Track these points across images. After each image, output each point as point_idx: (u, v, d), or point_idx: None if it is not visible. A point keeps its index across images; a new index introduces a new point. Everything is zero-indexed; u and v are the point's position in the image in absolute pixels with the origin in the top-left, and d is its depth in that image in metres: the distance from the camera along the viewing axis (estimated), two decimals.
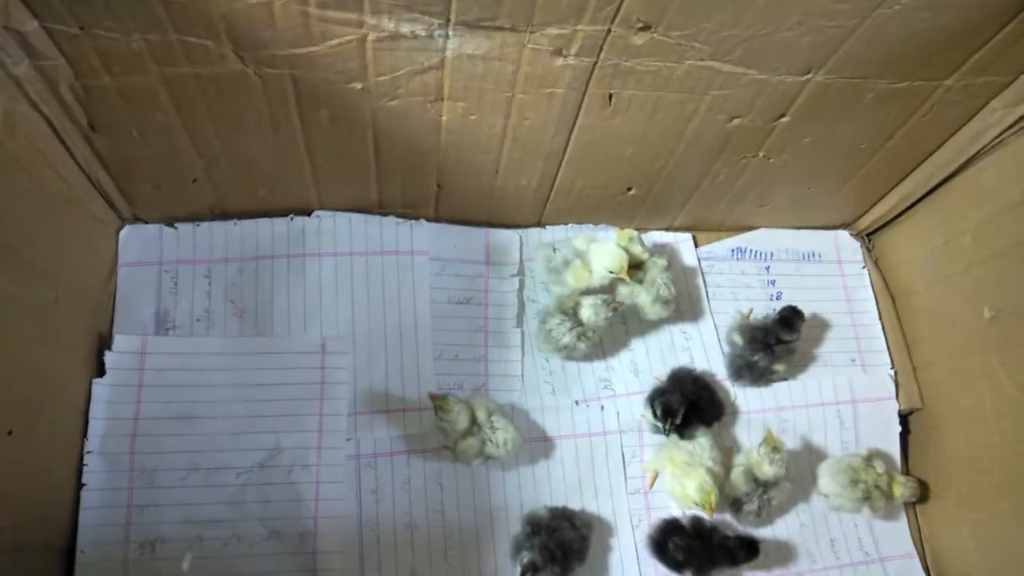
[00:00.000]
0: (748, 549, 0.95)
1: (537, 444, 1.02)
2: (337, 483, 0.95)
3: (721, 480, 0.97)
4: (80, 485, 0.89)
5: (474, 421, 0.94)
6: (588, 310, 0.99)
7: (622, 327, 1.09)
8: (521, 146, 0.93)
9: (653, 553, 0.97)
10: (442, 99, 0.84)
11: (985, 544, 0.97)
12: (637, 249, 1.04)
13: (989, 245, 0.98)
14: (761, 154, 0.98)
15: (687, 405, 0.98)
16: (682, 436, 1.00)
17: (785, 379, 1.09)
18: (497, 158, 0.95)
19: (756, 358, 1.04)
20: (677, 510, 1.01)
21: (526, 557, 0.89)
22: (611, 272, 1.00)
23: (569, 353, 1.03)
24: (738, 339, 1.06)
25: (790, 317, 1.04)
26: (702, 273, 1.14)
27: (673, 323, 1.11)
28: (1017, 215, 0.93)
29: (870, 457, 1.03)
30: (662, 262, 1.05)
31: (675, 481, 0.97)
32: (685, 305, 1.12)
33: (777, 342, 1.04)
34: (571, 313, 1.01)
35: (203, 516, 0.91)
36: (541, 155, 0.95)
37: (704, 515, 0.96)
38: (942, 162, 1.02)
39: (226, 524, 0.91)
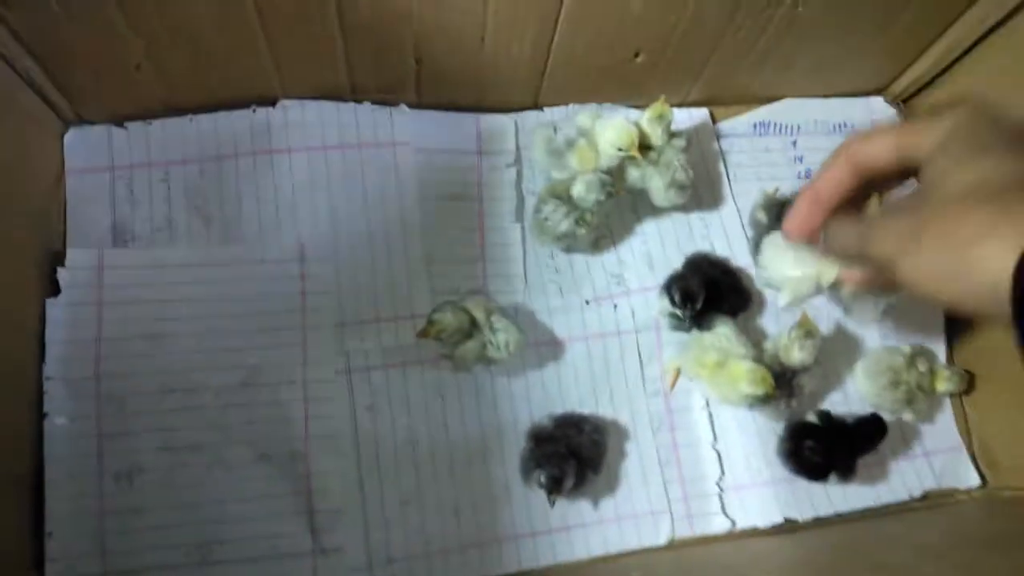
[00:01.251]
0: (878, 426, 0.89)
1: (545, 348, 0.92)
2: (327, 399, 0.86)
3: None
4: (43, 414, 0.80)
5: (473, 323, 0.84)
6: (580, 186, 0.88)
7: (633, 215, 0.98)
8: (508, 5, 0.80)
9: (789, 467, 0.89)
10: None
11: None
12: (660, 129, 0.91)
13: None
14: (788, 2, 0.85)
15: (707, 288, 0.88)
16: (701, 327, 0.90)
17: None
18: (482, 20, 0.82)
19: None
20: (702, 411, 0.92)
21: (542, 476, 0.81)
22: (620, 150, 0.88)
23: (569, 243, 0.93)
24: (763, 217, 0.95)
25: None
26: (721, 152, 1.02)
27: (690, 210, 0.99)
28: None
29: (914, 356, 0.93)
30: (679, 143, 0.92)
31: (717, 387, 0.87)
32: (704, 188, 1.00)
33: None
34: (565, 197, 0.90)
35: (182, 441, 0.83)
36: (533, 12, 0.82)
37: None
38: (983, 13, 0.89)
39: (209, 448, 0.83)
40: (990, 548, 0.87)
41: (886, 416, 0.92)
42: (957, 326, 1.00)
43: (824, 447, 0.87)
